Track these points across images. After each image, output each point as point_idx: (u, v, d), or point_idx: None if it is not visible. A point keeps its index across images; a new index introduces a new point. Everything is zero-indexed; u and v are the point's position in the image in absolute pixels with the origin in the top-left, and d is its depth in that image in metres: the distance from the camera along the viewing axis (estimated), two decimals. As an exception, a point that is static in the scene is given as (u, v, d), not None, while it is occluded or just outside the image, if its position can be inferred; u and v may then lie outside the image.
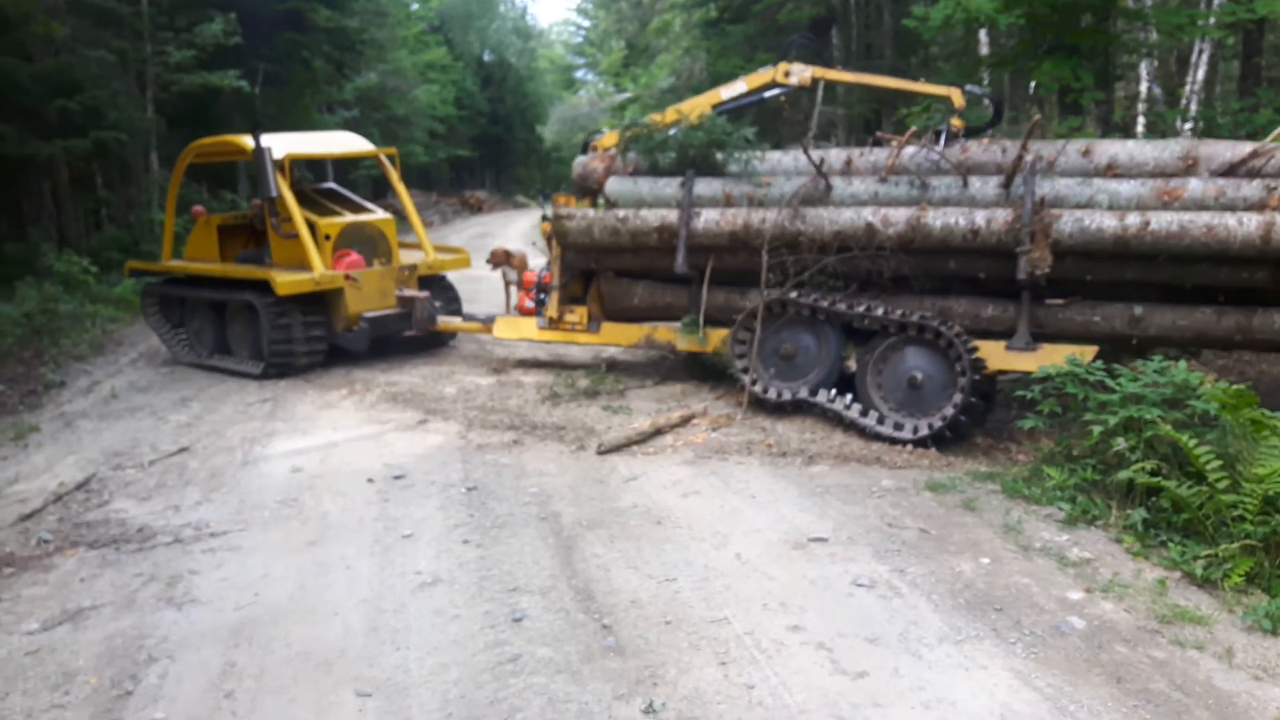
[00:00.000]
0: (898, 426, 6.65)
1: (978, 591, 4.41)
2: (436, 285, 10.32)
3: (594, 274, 8.59)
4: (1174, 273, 6.35)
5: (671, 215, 7.65)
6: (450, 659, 3.96)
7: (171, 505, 5.96)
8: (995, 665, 3.78)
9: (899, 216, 6.85)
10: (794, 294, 7.17)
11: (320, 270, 9.15)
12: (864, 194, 7.25)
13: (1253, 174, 6.34)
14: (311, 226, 9.47)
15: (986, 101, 8.65)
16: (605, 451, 6.61)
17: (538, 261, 11.09)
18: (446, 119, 37.27)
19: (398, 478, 6.28)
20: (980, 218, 6.62)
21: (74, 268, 13.47)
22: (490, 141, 45.70)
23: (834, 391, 7.03)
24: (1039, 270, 6.38)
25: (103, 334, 12.05)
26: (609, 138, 8.68)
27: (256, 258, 10.18)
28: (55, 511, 5.95)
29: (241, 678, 3.91)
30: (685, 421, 7.15)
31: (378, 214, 10.43)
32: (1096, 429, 5.33)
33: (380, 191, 27.24)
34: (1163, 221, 6.12)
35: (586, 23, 54.16)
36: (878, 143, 7.70)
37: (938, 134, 7.43)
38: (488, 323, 9.42)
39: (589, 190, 8.48)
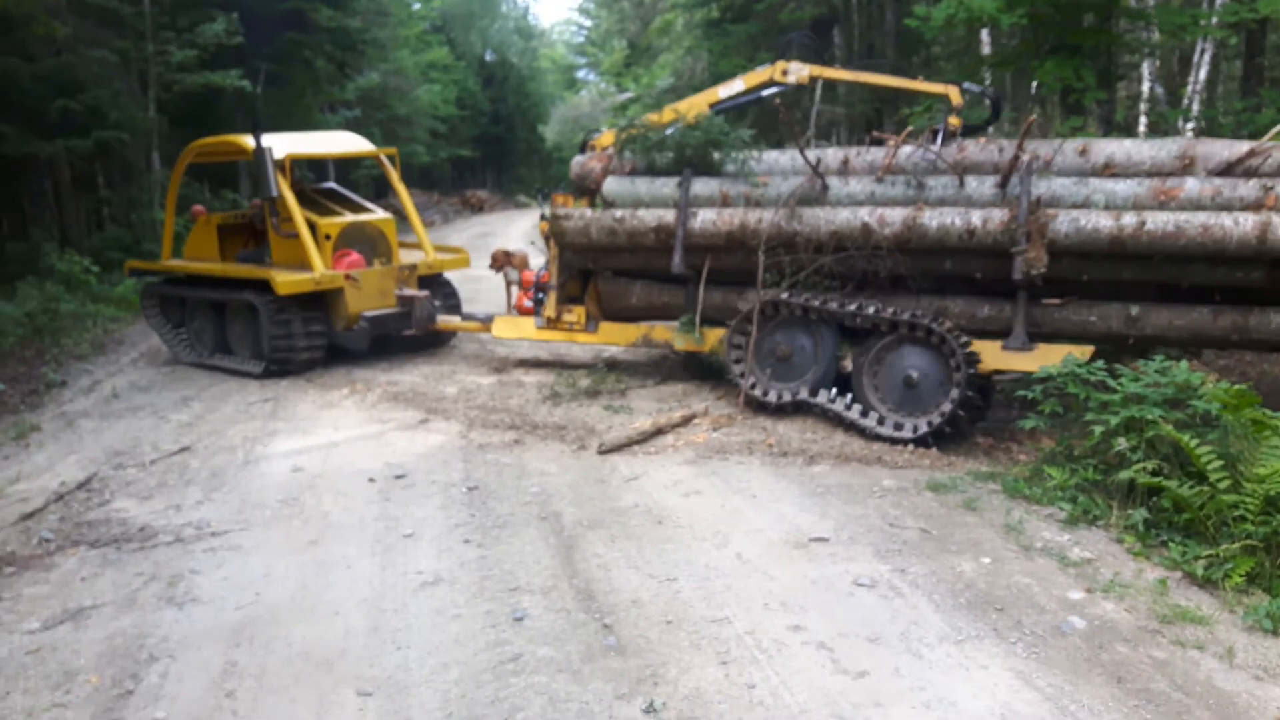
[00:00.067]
0: (897, 426, 6.65)
1: (979, 591, 4.41)
2: (436, 285, 10.33)
3: (592, 273, 8.60)
4: (1170, 272, 6.34)
5: (668, 215, 7.65)
6: (451, 658, 3.96)
7: (173, 504, 5.97)
8: (996, 665, 3.78)
9: (895, 216, 6.84)
10: (786, 295, 7.17)
11: (320, 270, 9.16)
12: (860, 194, 7.24)
13: (1250, 173, 6.34)
14: (312, 226, 9.48)
15: (987, 100, 8.64)
16: (606, 451, 6.61)
17: (539, 261, 11.09)
18: (448, 119, 37.28)
19: (399, 477, 6.28)
20: (976, 218, 6.62)
21: (75, 267, 13.48)
22: (492, 141, 45.72)
23: (834, 391, 7.03)
24: (1035, 270, 6.37)
25: (104, 333, 12.06)
26: (607, 137, 8.67)
27: (257, 257, 10.18)
28: (56, 511, 5.96)
29: (242, 677, 3.91)
30: (686, 421, 7.15)
31: (378, 214, 10.44)
32: (1098, 429, 5.33)
33: (382, 191, 27.27)
34: (1159, 221, 6.12)
35: (588, 22, 54.15)
36: (875, 142, 7.69)
37: (935, 133, 7.41)
38: (486, 322, 9.43)
39: (587, 190, 8.48)
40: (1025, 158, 6.62)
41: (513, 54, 49.37)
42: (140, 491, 6.26)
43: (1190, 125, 13.61)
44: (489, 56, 47.56)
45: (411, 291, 9.64)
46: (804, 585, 4.52)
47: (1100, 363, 5.80)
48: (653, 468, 6.29)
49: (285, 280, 8.96)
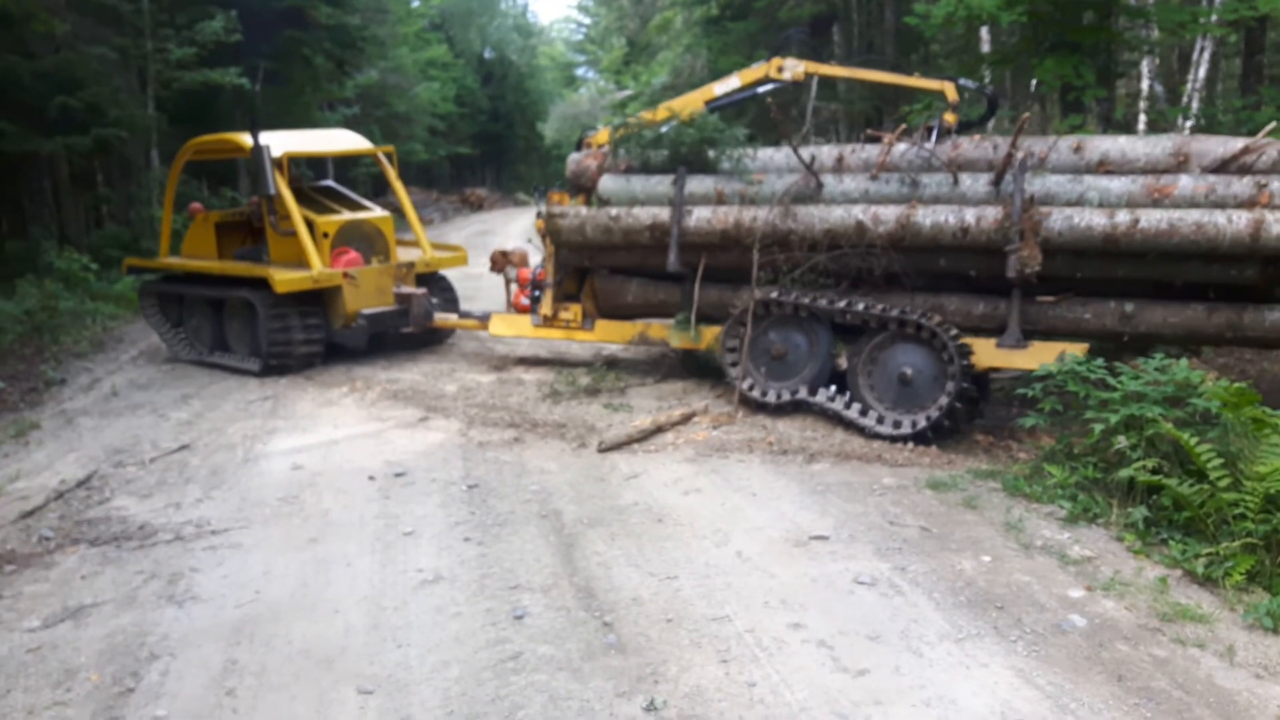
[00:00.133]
0: (895, 424, 6.65)
1: (979, 589, 4.41)
2: (434, 282, 10.34)
3: (588, 271, 8.60)
4: (1164, 270, 6.35)
5: (663, 213, 7.65)
6: (451, 656, 3.96)
7: (172, 503, 5.97)
8: (996, 663, 3.78)
9: (889, 214, 6.84)
10: (775, 294, 7.16)
11: (318, 268, 9.16)
12: (855, 191, 7.23)
13: (1244, 170, 6.33)
14: (310, 224, 9.48)
15: (985, 96, 8.63)
16: (606, 449, 6.61)
17: (538, 259, 11.10)
18: (447, 116, 37.25)
19: (399, 475, 6.28)
20: (970, 216, 6.61)
21: (74, 265, 13.48)
22: (491, 139, 45.68)
23: (834, 389, 7.03)
24: (1028, 268, 6.37)
25: (103, 331, 12.05)
26: (603, 135, 8.66)
27: (254, 255, 10.18)
28: (56, 509, 5.95)
29: (243, 675, 3.91)
30: (686, 419, 7.15)
31: (376, 212, 10.44)
32: (1098, 427, 5.33)
33: (381, 189, 27.22)
34: (1152, 219, 6.11)
35: (587, 20, 54.10)
36: (870, 139, 7.68)
37: (930, 130, 7.40)
38: (484, 320, 9.44)
39: (583, 188, 8.47)
40: (1019, 155, 6.61)
41: (512, 51, 49.30)
42: (140, 489, 6.25)
43: (1190, 123, 13.61)
44: (488, 54, 47.50)
45: (409, 289, 9.65)
46: (804, 583, 4.52)
47: (1100, 361, 5.80)
48: (653, 466, 6.29)
49: (283, 278, 8.96)
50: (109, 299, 13.42)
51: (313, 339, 9.33)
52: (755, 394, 7.23)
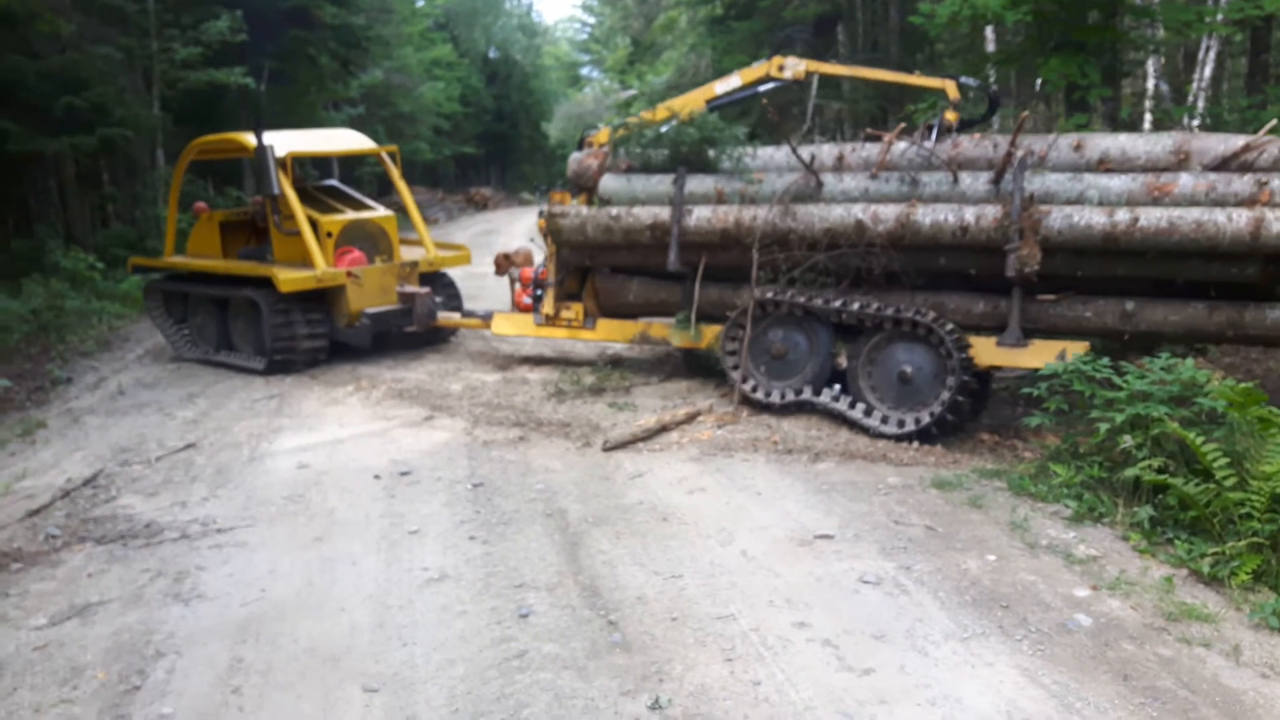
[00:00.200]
0: (899, 423, 6.64)
1: (984, 588, 4.41)
2: (437, 282, 10.36)
3: (590, 271, 8.61)
4: (1164, 268, 6.33)
5: (664, 213, 7.65)
6: (457, 655, 3.97)
7: (178, 501, 5.98)
8: (1001, 662, 3.78)
9: (889, 213, 6.83)
10: (770, 294, 7.15)
11: (322, 267, 9.19)
12: (855, 190, 7.22)
13: (1245, 168, 6.30)
14: (313, 223, 9.51)
15: (987, 94, 8.61)
16: (611, 448, 6.61)
17: (541, 258, 11.11)
18: (452, 116, 37.27)
19: (404, 474, 6.29)
20: (969, 214, 6.60)
21: (80, 264, 13.51)
22: (495, 138, 45.68)
23: (838, 389, 7.03)
24: (1028, 267, 6.36)
25: (109, 330, 12.08)
26: (605, 134, 8.67)
27: (259, 254, 10.21)
28: (63, 507, 5.97)
29: (248, 673, 3.92)
30: (691, 418, 7.15)
31: (379, 211, 10.46)
32: (1103, 426, 5.32)
33: (386, 189, 27.25)
34: (1152, 218, 6.10)
35: (592, 19, 54.11)
36: (871, 138, 7.67)
37: (930, 128, 7.39)
38: (486, 319, 9.47)
39: (584, 187, 8.48)
40: (1019, 154, 6.60)
41: (516, 51, 49.31)
42: (146, 488, 6.27)
43: (1195, 122, 13.56)
44: (492, 54, 47.51)
45: (413, 288, 9.68)
46: (809, 582, 4.52)
47: (1106, 360, 5.79)
48: (657, 465, 6.30)
49: (287, 277, 8.98)
50: (115, 298, 13.45)
51: (317, 338, 9.36)
52: (759, 395, 7.23)
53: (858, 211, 6.94)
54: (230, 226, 10.74)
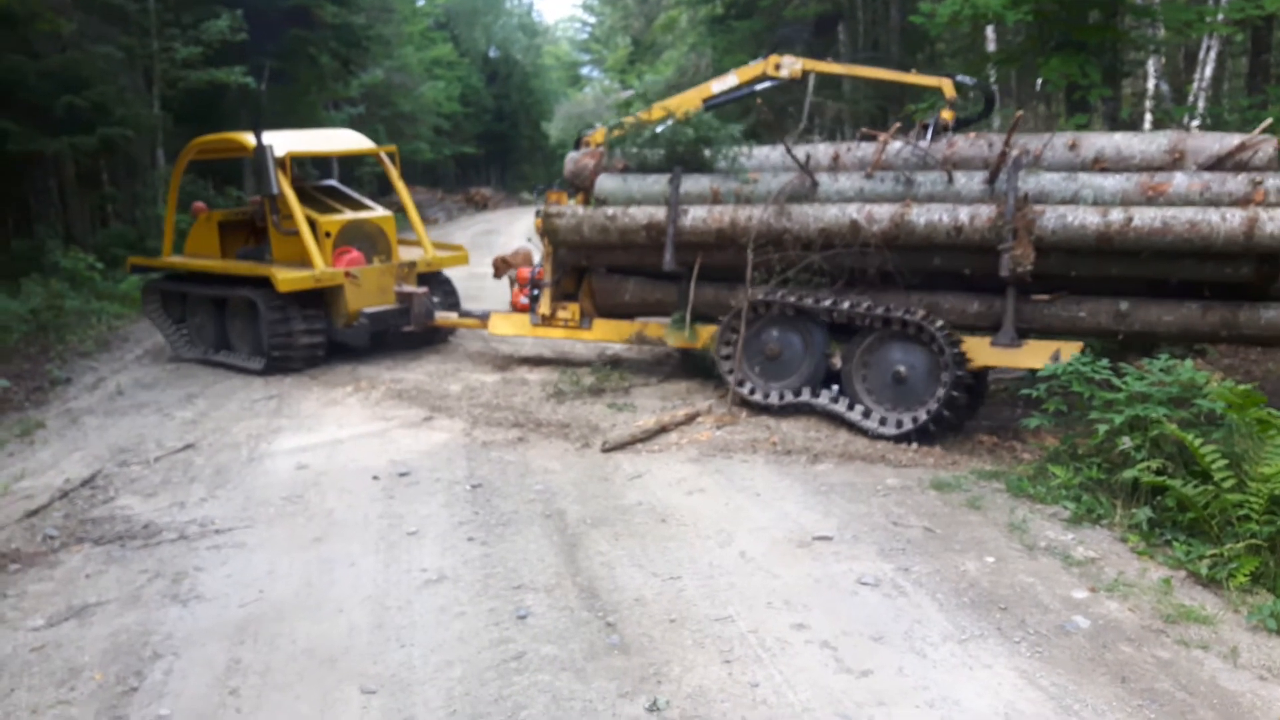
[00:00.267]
0: (897, 424, 6.64)
1: (982, 590, 4.40)
2: (435, 282, 10.38)
3: (586, 270, 8.61)
4: (1159, 268, 6.32)
5: (659, 213, 7.64)
6: (455, 656, 3.96)
7: (177, 502, 5.98)
8: (1000, 664, 3.78)
9: (883, 213, 6.82)
10: (762, 295, 7.15)
11: (321, 267, 9.19)
12: (850, 190, 7.21)
13: (1240, 167, 6.30)
14: (312, 223, 9.52)
15: (983, 92, 8.61)
16: (610, 449, 6.61)
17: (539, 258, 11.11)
18: (452, 116, 37.26)
19: (403, 475, 6.29)
20: (964, 214, 6.59)
21: (80, 264, 13.51)
22: (496, 138, 45.67)
23: (836, 389, 7.02)
24: (1021, 267, 6.35)
25: (108, 330, 12.08)
26: (601, 134, 8.67)
27: (257, 254, 10.22)
28: (61, 508, 5.97)
29: (246, 674, 3.92)
30: (690, 419, 7.14)
31: (377, 211, 10.47)
32: (1102, 428, 5.32)
33: (385, 189, 27.25)
34: (1145, 218, 6.09)
35: (592, 19, 54.10)
36: (866, 137, 7.66)
37: (925, 127, 7.38)
38: (484, 319, 9.48)
39: (581, 187, 8.48)
40: (1013, 153, 6.59)
41: (516, 51, 49.29)
42: (145, 489, 6.27)
43: (1195, 123, 13.55)
44: (493, 53, 47.50)
45: (410, 288, 9.69)
46: (807, 584, 4.52)
47: (1105, 361, 5.79)
48: (656, 466, 6.29)
49: (285, 277, 8.99)
50: (114, 298, 13.44)
51: (315, 338, 9.36)
52: (757, 397, 7.22)
53: (852, 211, 6.93)
54: (229, 226, 10.74)
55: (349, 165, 26.29)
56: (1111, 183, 6.42)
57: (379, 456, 6.69)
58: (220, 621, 4.38)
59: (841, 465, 6.23)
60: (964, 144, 7.10)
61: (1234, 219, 5.88)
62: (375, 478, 6.26)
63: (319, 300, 9.45)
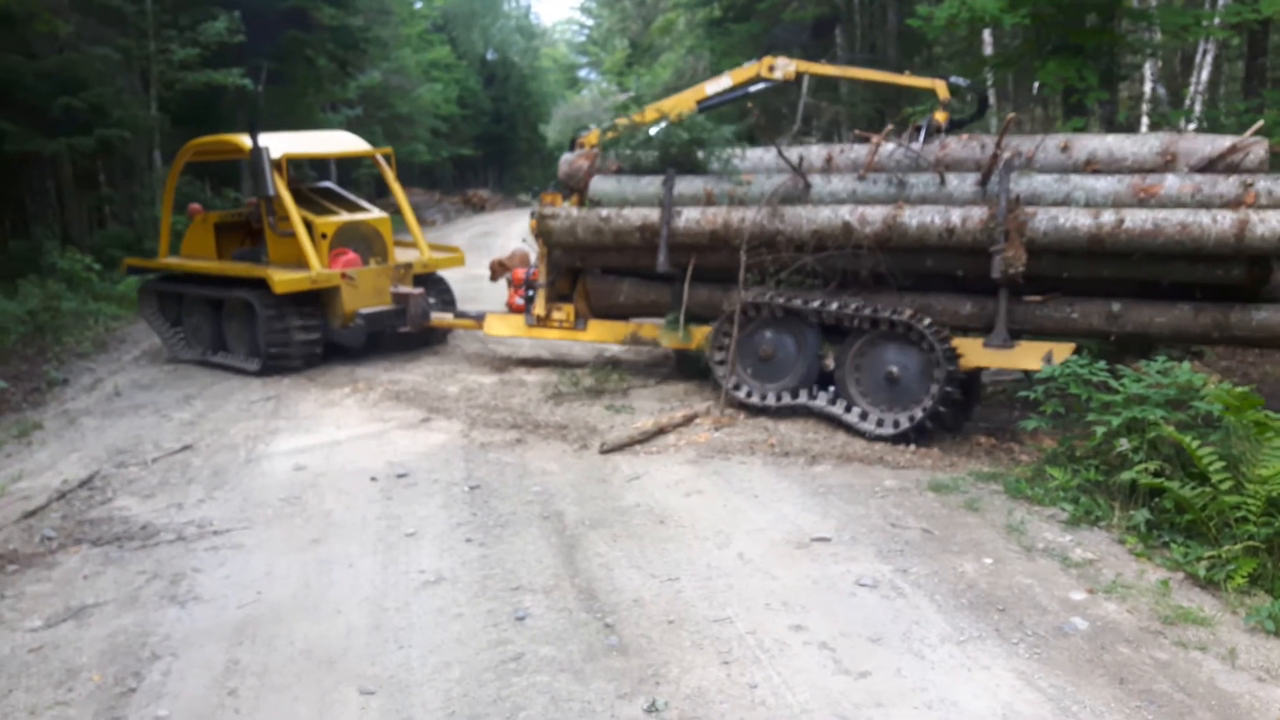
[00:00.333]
0: (895, 424, 6.64)
1: (980, 592, 4.41)
2: (431, 283, 10.39)
3: (581, 272, 8.62)
4: (1150, 270, 6.34)
5: (653, 214, 7.66)
6: (453, 657, 3.96)
7: (175, 503, 5.97)
8: (998, 666, 3.78)
9: (876, 215, 6.83)
10: (751, 296, 7.15)
11: (317, 268, 9.19)
12: (843, 192, 7.22)
13: (1231, 169, 6.32)
14: (308, 225, 9.52)
15: (976, 94, 8.63)
16: (608, 450, 6.61)
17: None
18: (450, 118, 37.25)
19: (401, 476, 6.28)
20: (956, 216, 6.60)
21: (77, 265, 13.49)
22: (493, 140, 45.69)
23: (833, 391, 7.03)
24: (1013, 269, 6.37)
25: (106, 331, 12.06)
26: (596, 135, 8.68)
27: (253, 255, 10.22)
28: (59, 509, 5.96)
29: (244, 675, 3.91)
30: (688, 421, 7.15)
31: (374, 213, 10.48)
32: (1100, 430, 5.33)
33: (383, 190, 27.22)
34: (1137, 220, 6.10)
35: (590, 22, 54.12)
36: (860, 139, 7.68)
37: (918, 129, 7.39)
38: (479, 320, 9.48)
39: (575, 189, 8.49)
40: (1005, 155, 6.60)
41: (514, 53, 49.31)
42: (142, 490, 6.26)
43: (1192, 126, 13.59)
44: (490, 55, 47.51)
45: (406, 289, 9.71)
46: (806, 585, 4.52)
47: (1102, 363, 5.80)
48: (655, 467, 6.29)
49: (282, 279, 8.99)
50: (111, 299, 13.43)
51: (311, 339, 9.36)
52: (754, 399, 7.23)
53: (845, 213, 6.94)
54: (225, 228, 10.74)
55: (346, 167, 26.25)
56: (1103, 184, 6.44)
57: (377, 458, 6.69)
58: (218, 622, 4.37)
59: (839, 467, 6.23)
60: (956, 146, 7.12)
61: (1225, 221, 5.90)
62: (373, 479, 6.25)
63: (315, 301, 9.45)
